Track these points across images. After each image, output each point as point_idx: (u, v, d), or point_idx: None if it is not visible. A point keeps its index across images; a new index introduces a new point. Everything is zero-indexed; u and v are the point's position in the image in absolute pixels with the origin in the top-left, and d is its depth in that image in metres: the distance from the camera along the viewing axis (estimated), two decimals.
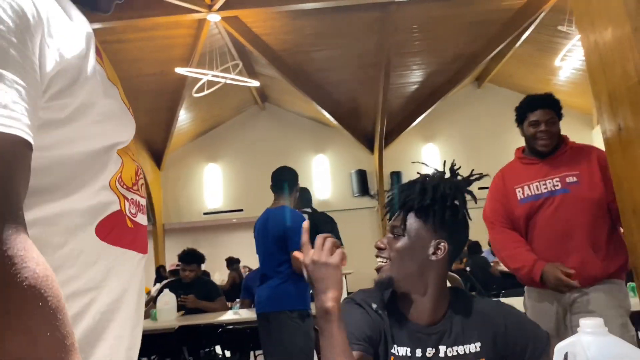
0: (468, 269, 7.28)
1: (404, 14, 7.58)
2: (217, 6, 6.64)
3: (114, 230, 0.70)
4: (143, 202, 0.78)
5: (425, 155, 11.16)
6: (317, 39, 8.22)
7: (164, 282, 5.07)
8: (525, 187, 2.19)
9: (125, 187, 0.73)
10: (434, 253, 1.18)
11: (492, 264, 7.24)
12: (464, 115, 10.91)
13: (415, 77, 9.55)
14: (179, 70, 7.23)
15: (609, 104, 2.04)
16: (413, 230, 1.18)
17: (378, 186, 10.59)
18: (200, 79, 7.46)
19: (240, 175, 11.28)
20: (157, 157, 10.89)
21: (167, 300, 3.73)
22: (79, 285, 0.65)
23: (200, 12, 6.75)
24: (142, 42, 7.71)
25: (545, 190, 2.14)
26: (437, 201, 1.19)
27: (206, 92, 7.49)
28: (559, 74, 9.44)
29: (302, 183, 3.21)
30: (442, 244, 1.18)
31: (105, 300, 0.68)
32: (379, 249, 1.20)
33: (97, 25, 7.04)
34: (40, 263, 0.49)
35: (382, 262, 1.19)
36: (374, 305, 1.20)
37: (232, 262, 8.77)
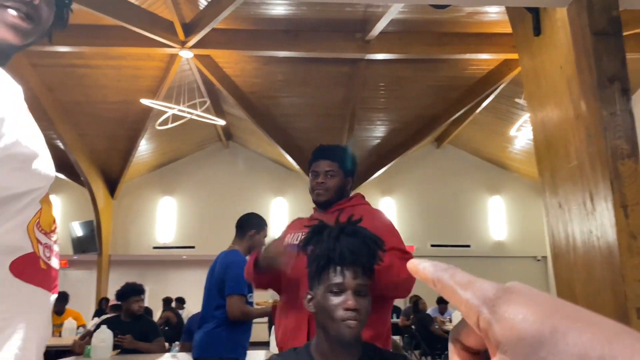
0: (413, 326, 7.31)
1: (372, 71, 7.86)
2: (190, 43, 6.72)
3: (27, 269, 0.77)
4: (56, 248, 0.86)
5: (382, 208, 11.33)
6: (287, 85, 8.38)
7: (103, 317, 4.86)
8: (292, 235, 1.98)
9: (42, 231, 0.81)
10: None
11: (436, 323, 7.29)
12: (422, 173, 11.21)
13: (378, 131, 9.81)
14: (145, 101, 7.20)
15: (552, 182, 2.16)
16: (369, 289, 1.25)
17: None
18: (165, 112, 7.43)
19: (195, 212, 11.11)
20: (112, 185, 10.64)
21: (103, 338, 3.58)
22: None
23: (174, 47, 6.80)
24: (110, 69, 7.67)
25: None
26: (373, 258, 1.27)
27: (170, 125, 7.46)
28: (515, 142, 9.89)
29: None
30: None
31: (14, 332, 0.74)
32: (355, 310, 1.21)
33: (65, 49, 6.98)
34: None
35: (356, 323, 1.22)
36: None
37: (168, 302, 8.51)
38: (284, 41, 6.94)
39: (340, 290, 1.23)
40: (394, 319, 8.64)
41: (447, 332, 7.11)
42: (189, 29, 6.68)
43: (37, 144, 0.79)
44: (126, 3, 6.10)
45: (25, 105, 0.80)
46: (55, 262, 0.84)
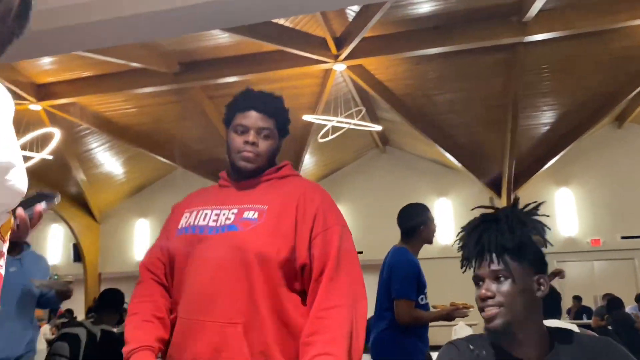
0: (610, 327, 6.58)
1: (532, 54, 7.33)
2: (343, 56, 6.96)
3: None
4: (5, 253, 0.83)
5: (558, 200, 10.43)
6: (440, 82, 8.21)
7: None
8: (194, 213, 1.46)
9: (2, 239, 0.79)
10: (539, 290, 1.21)
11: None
12: (603, 158, 10.08)
13: (546, 118, 9.08)
14: (307, 117, 7.62)
15: None
16: (517, 271, 1.20)
17: None
18: (325, 125, 7.78)
19: (360, 218, 11.37)
20: None
21: None
22: None
23: (327, 62, 7.11)
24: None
25: (213, 224, 1.41)
26: (527, 237, 1.23)
27: (331, 137, 7.79)
28: None
29: None
30: (542, 279, 1.21)
31: None
32: (488, 297, 1.20)
33: (233, 79, 7.71)
34: None
35: (494, 309, 1.19)
36: (471, 346, 1.23)
37: None
38: (434, 38, 6.84)
39: (478, 281, 1.24)
40: (586, 320, 7.86)
41: None
42: (340, 42, 6.93)
43: (17, 159, 0.75)
44: (282, 28, 6.55)
45: (10, 118, 0.77)
46: (3, 270, 0.82)
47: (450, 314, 2.78)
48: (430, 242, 2.87)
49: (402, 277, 2.67)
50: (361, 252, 11.20)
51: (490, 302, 1.19)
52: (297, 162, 10.04)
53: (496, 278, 1.20)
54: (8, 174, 0.71)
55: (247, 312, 1.29)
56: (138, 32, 3.48)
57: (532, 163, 9.76)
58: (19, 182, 0.74)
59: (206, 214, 1.43)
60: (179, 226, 1.45)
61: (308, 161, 10.52)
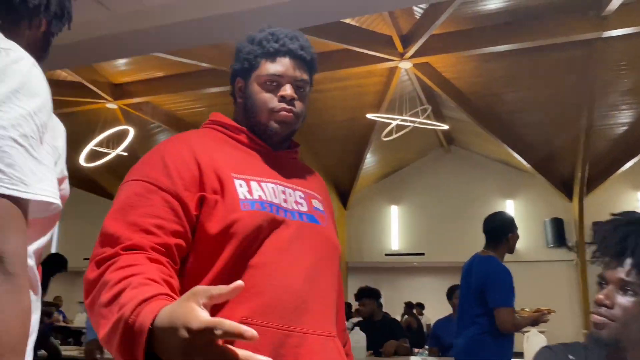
0: None
1: (610, 50, 6.92)
2: (409, 54, 6.86)
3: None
4: None
5: (632, 206, 9.80)
6: (510, 80, 7.92)
7: (356, 320, 5.29)
8: (254, 183, 1.05)
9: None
10: None
11: None
12: None
13: (623, 117, 8.55)
14: (370, 116, 7.58)
15: None
16: None
17: (578, 237, 9.56)
18: (389, 124, 7.71)
19: (422, 219, 11.20)
20: (344, 197, 11.41)
21: (358, 339, 3.87)
22: None
23: (393, 60, 7.03)
24: (338, 91, 8.27)
25: (285, 205, 1.07)
26: None
27: (395, 135, 7.70)
28: None
29: None
30: None
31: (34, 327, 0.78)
32: (604, 305, 1.06)
33: None
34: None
35: (604, 319, 1.06)
36: (571, 357, 1.13)
37: (410, 307, 8.71)
38: (505, 34, 6.60)
39: (602, 282, 1.10)
40: None
41: None
42: (407, 40, 6.83)
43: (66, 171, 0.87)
44: (348, 26, 6.54)
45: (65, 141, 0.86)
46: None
47: (537, 320, 2.85)
48: (512, 251, 2.92)
49: (502, 287, 2.74)
50: (422, 254, 11.03)
51: (603, 311, 1.06)
52: (358, 160, 10.02)
53: (623, 288, 1.06)
54: (63, 184, 0.84)
55: (334, 323, 1.08)
56: (211, 34, 3.60)
57: (607, 165, 9.24)
58: (67, 189, 0.88)
59: (273, 189, 1.07)
60: (241, 196, 1.02)
61: (370, 159, 10.47)
